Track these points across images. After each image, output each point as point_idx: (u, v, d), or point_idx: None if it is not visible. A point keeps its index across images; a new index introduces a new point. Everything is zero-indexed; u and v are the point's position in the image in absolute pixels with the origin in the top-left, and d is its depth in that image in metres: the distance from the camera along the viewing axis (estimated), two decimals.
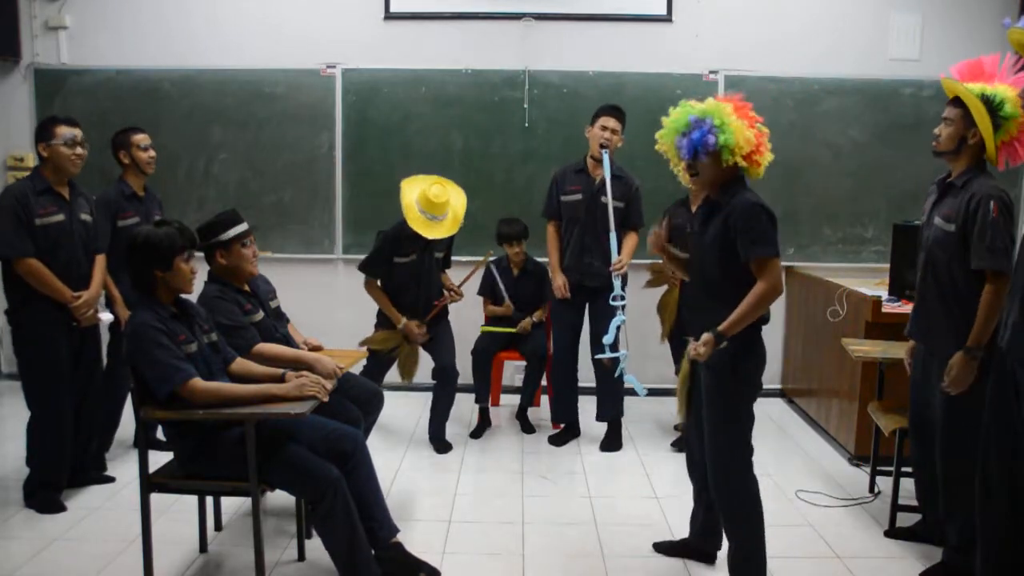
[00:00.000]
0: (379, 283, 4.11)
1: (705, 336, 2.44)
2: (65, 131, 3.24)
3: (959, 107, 2.65)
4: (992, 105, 2.56)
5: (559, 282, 4.11)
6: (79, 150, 3.27)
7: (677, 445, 4.11)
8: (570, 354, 4.23)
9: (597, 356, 3.92)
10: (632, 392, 3.84)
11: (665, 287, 4.26)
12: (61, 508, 3.27)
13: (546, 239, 4.24)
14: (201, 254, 2.78)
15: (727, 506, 2.58)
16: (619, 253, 3.88)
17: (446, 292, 4.20)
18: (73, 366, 3.32)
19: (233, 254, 2.93)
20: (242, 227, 2.95)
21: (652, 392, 4.55)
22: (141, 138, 3.75)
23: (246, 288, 3.04)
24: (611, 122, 3.98)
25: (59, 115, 3.36)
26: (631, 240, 4.07)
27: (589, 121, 4.09)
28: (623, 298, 3.81)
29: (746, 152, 2.46)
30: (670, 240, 4.04)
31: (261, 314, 3.03)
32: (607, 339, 3.71)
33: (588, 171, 4.09)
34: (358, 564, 2.55)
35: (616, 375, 3.84)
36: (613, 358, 3.75)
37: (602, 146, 3.92)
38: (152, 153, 3.78)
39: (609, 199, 3.86)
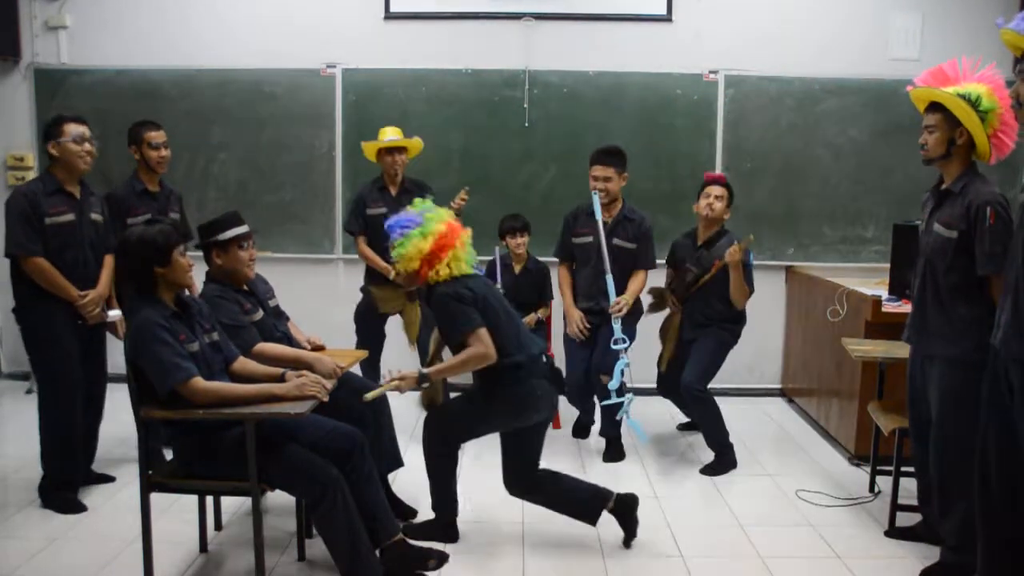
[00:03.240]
0: (365, 241, 4.30)
1: None
2: (74, 128, 3.24)
3: (938, 112, 2.68)
4: (970, 101, 2.60)
5: (575, 317, 4.04)
6: (88, 147, 3.27)
7: (701, 472, 3.92)
8: (584, 380, 4.09)
9: (604, 403, 3.90)
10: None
11: (667, 311, 4.18)
12: (81, 508, 3.28)
13: (558, 275, 4.24)
14: (199, 251, 2.79)
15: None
16: (618, 294, 3.86)
17: None
18: (82, 365, 3.33)
19: (229, 256, 2.92)
20: (241, 229, 2.95)
21: (651, 392, 4.56)
22: (153, 135, 3.72)
23: (245, 288, 3.04)
24: (599, 171, 3.90)
25: (65, 113, 3.35)
26: (637, 279, 4.00)
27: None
28: (625, 340, 3.81)
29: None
30: (675, 269, 4.05)
31: (261, 313, 3.03)
32: (612, 384, 3.75)
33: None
34: (359, 563, 2.55)
35: (618, 418, 3.88)
36: (617, 403, 3.79)
37: (595, 189, 3.90)
38: (164, 153, 3.75)
39: (603, 240, 3.87)
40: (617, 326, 3.82)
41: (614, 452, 4.06)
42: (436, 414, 3.07)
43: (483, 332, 2.77)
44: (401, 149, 4.30)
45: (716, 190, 3.89)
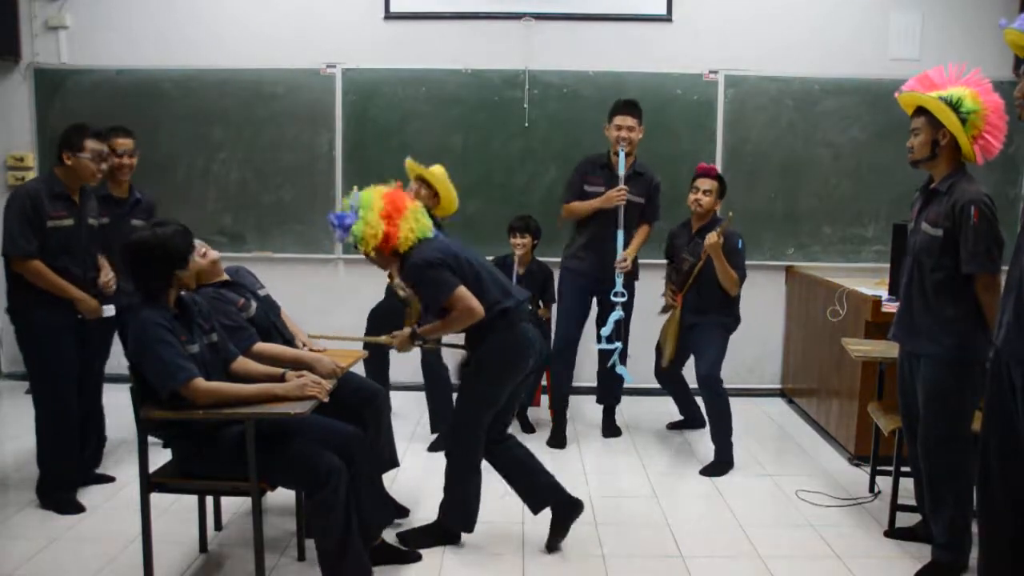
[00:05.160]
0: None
1: None
2: (95, 146, 3.24)
3: (922, 115, 2.76)
4: (951, 103, 2.67)
5: (613, 195, 4.02)
6: (104, 166, 3.29)
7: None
8: (572, 343, 4.23)
9: (599, 347, 4.15)
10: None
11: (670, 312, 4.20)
12: (79, 508, 3.27)
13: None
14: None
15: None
16: (624, 250, 4.04)
17: None
18: (81, 363, 3.32)
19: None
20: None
21: (651, 392, 4.57)
22: (118, 142, 3.53)
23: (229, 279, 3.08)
24: (626, 120, 4.03)
25: (90, 125, 3.30)
26: (642, 233, 4.17)
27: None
28: (624, 294, 4.02)
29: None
30: (671, 260, 4.16)
31: (254, 306, 3.05)
32: (604, 331, 4.04)
33: (611, 167, 4.12)
34: (346, 558, 2.52)
35: (609, 365, 4.08)
36: (608, 349, 4.05)
37: (618, 141, 4.02)
38: (126, 160, 3.56)
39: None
40: (619, 280, 4.04)
41: (609, 426, 4.34)
42: (453, 416, 3.05)
43: (463, 291, 2.73)
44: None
45: (705, 183, 3.98)
